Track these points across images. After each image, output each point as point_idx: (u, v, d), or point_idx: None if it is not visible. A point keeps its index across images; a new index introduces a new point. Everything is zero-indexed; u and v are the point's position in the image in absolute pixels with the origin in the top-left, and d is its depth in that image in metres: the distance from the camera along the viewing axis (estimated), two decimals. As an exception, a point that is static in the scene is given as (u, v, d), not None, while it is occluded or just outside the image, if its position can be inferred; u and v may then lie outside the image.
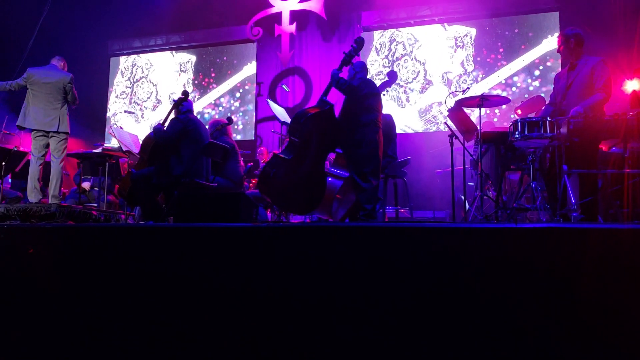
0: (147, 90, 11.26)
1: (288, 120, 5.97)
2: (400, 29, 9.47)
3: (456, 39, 9.11)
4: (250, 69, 10.46)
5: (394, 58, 9.43)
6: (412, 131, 9.08)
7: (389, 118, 5.40)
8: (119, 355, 3.26)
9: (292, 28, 9.57)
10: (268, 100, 6.45)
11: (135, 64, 11.51)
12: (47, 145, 5.58)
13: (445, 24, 9.19)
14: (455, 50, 9.08)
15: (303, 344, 2.83)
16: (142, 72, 11.44)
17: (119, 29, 10.95)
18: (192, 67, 11.03)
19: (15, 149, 6.57)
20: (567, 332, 2.39)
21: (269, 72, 10.10)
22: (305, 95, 9.60)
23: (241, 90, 10.54)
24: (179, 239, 3.33)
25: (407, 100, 9.27)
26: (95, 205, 7.11)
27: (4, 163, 6.32)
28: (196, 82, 10.92)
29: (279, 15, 9.69)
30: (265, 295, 2.95)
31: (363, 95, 4.58)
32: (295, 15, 9.63)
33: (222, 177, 5.43)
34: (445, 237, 2.68)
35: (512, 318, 2.48)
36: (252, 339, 2.93)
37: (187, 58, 11.10)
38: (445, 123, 5.73)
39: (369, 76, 5.96)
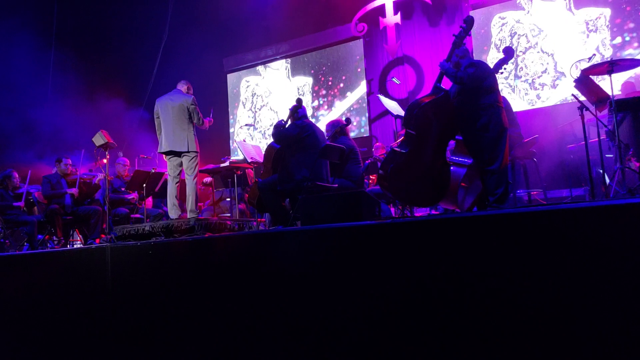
0: (269, 117, 11.59)
1: (402, 113, 5.87)
2: (521, 21, 8.79)
3: (587, 23, 8.20)
4: (363, 87, 10.42)
5: (517, 52, 8.75)
6: (537, 106, 8.51)
7: (503, 98, 5.13)
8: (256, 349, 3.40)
9: (397, 18, 9.42)
10: (379, 95, 6.38)
11: (255, 93, 11.90)
12: (181, 165, 5.96)
13: (573, 8, 8.33)
14: (587, 36, 8.19)
15: (437, 344, 2.75)
16: (262, 100, 11.79)
17: (231, 46, 11.55)
18: (310, 90, 11.17)
19: (153, 171, 7.14)
20: None
21: (378, 67, 10.02)
22: (417, 85, 9.41)
23: (352, 88, 10.59)
24: (307, 241, 3.40)
25: (538, 97, 8.56)
26: (229, 215, 7.52)
27: (144, 184, 6.90)
28: (315, 103, 11.09)
29: (382, 7, 9.59)
30: (396, 293, 2.91)
31: (480, 79, 4.39)
32: (399, 5, 9.47)
33: (342, 177, 5.49)
34: (586, 217, 2.46)
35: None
36: (389, 337, 2.91)
37: (304, 81, 11.26)
38: (573, 94, 5.30)
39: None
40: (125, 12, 10.70)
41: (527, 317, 2.52)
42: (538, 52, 8.62)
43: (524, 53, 8.73)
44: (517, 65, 8.74)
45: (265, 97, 11.73)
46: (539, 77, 8.57)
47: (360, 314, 3.02)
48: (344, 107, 10.67)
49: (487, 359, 2.61)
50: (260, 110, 11.79)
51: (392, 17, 9.46)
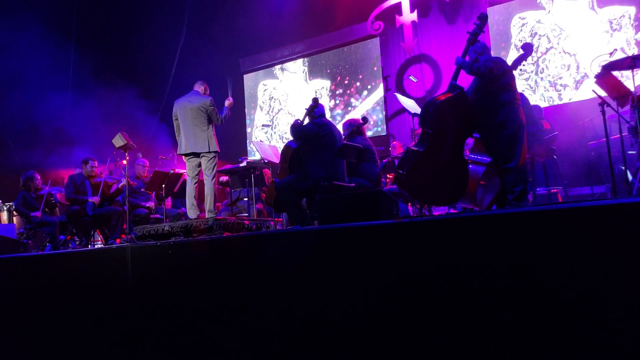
0: (286, 121, 11.51)
1: (419, 111, 5.85)
2: (542, 21, 8.60)
3: (611, 22, 7.97)
4: (380, 85, 10.35)
5: (539, 54, 8.56)
6: (555, 103, 8.39)
7: (521, 95, 5.08)
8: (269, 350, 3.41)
9: (414, 16, 9.38)
10: (396, 94, 6.36)
11: (273, 97, 11.84)
12: (199, 165, 6.00)
13: (596, 7, 8.11)
14: (611, 35, 7.96)
15: (460, 343, 2.74)
16: (280, 104, 11.72)
17: (247, 47, 11.60)
18: (328, 93, 11.08)
19: (172, 172, 7.20)
20: None
21: (395, 66, 9.98)
22: (434, 83, 9.35)
23: (369, 87, 10.56)
24: (324, 240, 3.40)
25: (560, 98, 8.39)
26: (247, 215, 7.55)
27: (163, 185, 6.96)
28: (332, 102, 11.04)
29: (398, 5, 9.55)
30: (414, 293, 2.90)
31: (499, 74, 4.35)
32: (415, 3, 9.43)
33: (359, 176, 5.48)
34: (607, 215, 2.42)
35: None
36: (408, 337, 2.90)
37: (322, 84, 11.18)
38: (593, 90, 5.23)
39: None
40: (143, 15, 10.81)
41: (546, 315, 2.49)
42: (559, 52, 8.43)
43: (544, 54, 8.55)
44: (537, 66, 8.59)
45: (283, 101, 11.69)
46: (560, 78, 8.39)
47: (378, 314, 3.02)
48: (361, 106, 10.65)
49: (502, 357, 2.59)
50: (277, 114, 11.77)
51: (408, 15, 9.42)
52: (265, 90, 12.00)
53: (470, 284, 2.72)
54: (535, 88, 8.55)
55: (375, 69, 10.47)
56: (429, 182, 4.26)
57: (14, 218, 8.75)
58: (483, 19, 4.51)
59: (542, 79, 8.55)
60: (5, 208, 8.90)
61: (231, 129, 11.00)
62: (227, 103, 6.12)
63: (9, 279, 5.27)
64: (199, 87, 6.10)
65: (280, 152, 6.15)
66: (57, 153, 9.86)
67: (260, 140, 11.45)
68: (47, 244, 7.24)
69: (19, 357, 4.94)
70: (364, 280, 3.10)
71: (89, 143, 9.63)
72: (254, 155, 10.71)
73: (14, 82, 9.88)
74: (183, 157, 6.09)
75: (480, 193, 4.57)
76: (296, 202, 5.29)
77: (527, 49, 4.92)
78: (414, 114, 5.99)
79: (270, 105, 11.85)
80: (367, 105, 10.60)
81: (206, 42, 11.06)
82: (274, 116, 11.77)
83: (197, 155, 5.93)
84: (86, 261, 4.79)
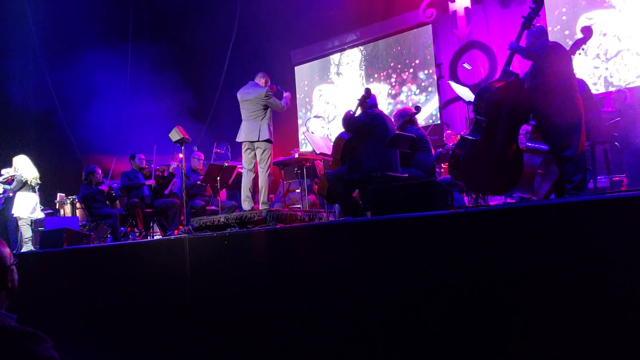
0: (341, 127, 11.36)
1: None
2: (611, 21, 8.04)
3: None
4: (433, 74, 10.14)
5: (607, 56, 8.05)
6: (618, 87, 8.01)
7: (581, 81, 4.89)
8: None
9: (467, 2, 9.18)
10: (450, 82, 6.24)
11: (328, 102, 11.72)
12: (255, 157, 6.11)
13: None
14: None
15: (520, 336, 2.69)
16: (335, 109, 11.58)
17: (298, 38, 11.62)
18: (386, 97, 10.90)
19: (226, 165, 7.35)
20: None
21: (448, 53, 9.80)
22: (490, 69, 9.12)
23: (422, 75, 10.40)
24: (377, 231, 3.40)
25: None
26: (299, 206, 7.62)
27: (218, 178, 7.12)
28: (387, 94, 10.89)
29: (450, -8, 9.38)
30: (471, 285, 2.86)
31: (555, 59, 4.20)
32: (468, -12, 9.23)
33: (412, 167, 5.42)
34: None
35: None
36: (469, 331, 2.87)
37: (379, 89, 10.96)
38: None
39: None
40: (196, 9, 11.04)
41: (615, 311, 2.41)
42: (632, 54, 7.87)
43: (615, 56, 8.02)
44: (607, 69, 8.10)
45: (338, 107, 11.54)
46: (630, 83, 7.86)
47: (433, 307, 3.00)
48: (414, 95, 10.51)
49: (564, 353, 2.52)
50: (333, 120, 11.65)
51: (461, 1, 9.22)
52: (320, 95, 11.91)
53: (529, 276, 2.65)
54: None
55: (428, 57, 10.30)
56: (483, 171, 4.17)
57: (77, 211, 9.15)
58: (539, 2, 4.35)
59: (612, 84, 8.08)
60: (68, 201, 9.31)
61: (282, 122, 11.11)
62: (286, 94, 6.31)
63: (73, 269, 5.53)
64: (260, 80, 6.23)
65: (332, 143, 6.16)
66: (116, 147, 10.22)
67: (312, 132, 11.48)
68: (109, 236, 7.55)
69: (81, 345, 5.17)
70: (417, 273, 3.08)
71: (145, 137, 9.93)
72: (306, 147, 10.78)
73: (75, 81, 10.30)
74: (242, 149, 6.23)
75: (538, 182, 4.44)
76: (348, 193, 5.29)
77: (587, 32, 4.72)
78: (469, 102, 5.88)
79: (325, 111, 11.75)
80: (421, 93, 10.44)
81: (257, 35, 11.16)
82: (330, 122, 11.68)
83: (252, 146, 6.04)
84: (146, 252, 4.96)
